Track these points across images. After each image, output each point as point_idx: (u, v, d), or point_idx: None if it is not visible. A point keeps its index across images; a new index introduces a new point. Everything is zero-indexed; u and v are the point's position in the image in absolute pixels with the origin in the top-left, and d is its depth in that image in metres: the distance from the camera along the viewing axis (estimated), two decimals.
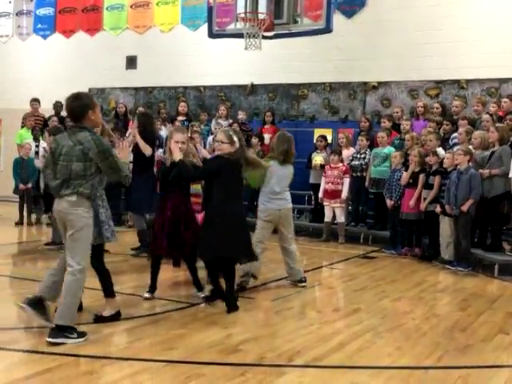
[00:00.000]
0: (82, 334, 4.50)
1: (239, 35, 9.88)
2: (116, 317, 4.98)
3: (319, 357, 4.30)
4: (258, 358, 4.25)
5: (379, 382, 3.93)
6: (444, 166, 8.32)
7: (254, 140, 11.10)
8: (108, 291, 4.98)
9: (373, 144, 10.16)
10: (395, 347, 4.62)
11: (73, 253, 4.49)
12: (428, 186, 8.51)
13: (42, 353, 4.22)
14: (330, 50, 12.03)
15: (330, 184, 10.06)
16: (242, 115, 11.96)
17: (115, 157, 4.60)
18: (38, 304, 4.64)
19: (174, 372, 3.94)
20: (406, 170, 8.90)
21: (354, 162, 10.15)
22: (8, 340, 4.46)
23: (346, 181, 9.98)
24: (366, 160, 10.04)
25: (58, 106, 13.21)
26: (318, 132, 11.65)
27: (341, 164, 10.08)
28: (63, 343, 4.34)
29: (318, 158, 10.74)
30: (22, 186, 10.34)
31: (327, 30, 9.24)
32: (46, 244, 8.21)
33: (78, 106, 4.68)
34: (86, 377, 3.82)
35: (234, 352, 4.34)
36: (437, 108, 10.33)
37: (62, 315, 4.44)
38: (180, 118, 11.95)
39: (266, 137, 11.49)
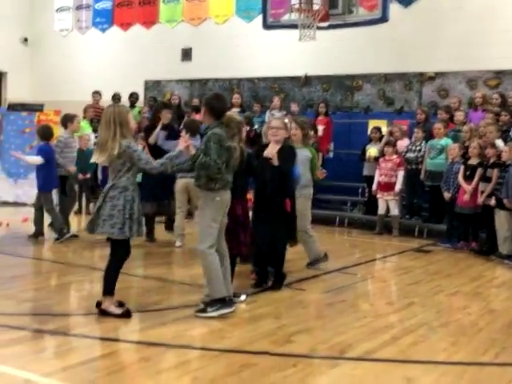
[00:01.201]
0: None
1: (294, 26, 9.88)
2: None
3: (371, 350, 4.28)
4: (309, 350, 4.27)
5: (433, 378, 3.88)
6: (502, 159, 8.10)
7: (309, 132, 11.04)
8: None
9: (429, 136, 9.98)
10: (450, 342, 4.56)
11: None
12: (485, 179, 8.31)
13: (99, 339, 4.36)
14: (386, 40, 11.84)
15: (384, 176, 9.94)
16: (295, 107, 11.93)
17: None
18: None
19: (226, 361, 4.00)
20: (464, 163, 8.71)
21: (409, 155, 10.00)
22: (66, 325, 4.61)
23: (400, 173, 9.84)
24: (421, 152, 9.87)
25: (116, 98, 13.54)
26: (372, 123, 11.51)
27: (395, 156, 9.94)
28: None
29: (372, 150, 10.63)
30: (80, 176, 10.58)
31: (383, 19, 9.14)
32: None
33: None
34: (142, 363, 3.92)
35: (286, 343, 4.36)
36: (496, 99, 10.04)
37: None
38: (234, 109, 12.01)
39: (320, 128, 11.44)
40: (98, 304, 4.80)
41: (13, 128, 12.38)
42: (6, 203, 11.62)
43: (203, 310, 4.91)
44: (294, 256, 6.87)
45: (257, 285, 5.91)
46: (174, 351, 4.16)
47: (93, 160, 4.89)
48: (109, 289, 4.79)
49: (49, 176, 8.06)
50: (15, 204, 11.62)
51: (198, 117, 11.57)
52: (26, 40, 16.78)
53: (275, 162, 5.62)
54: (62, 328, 4.50)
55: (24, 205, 10.74)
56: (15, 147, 12.13)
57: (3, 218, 9.58)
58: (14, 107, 12.86)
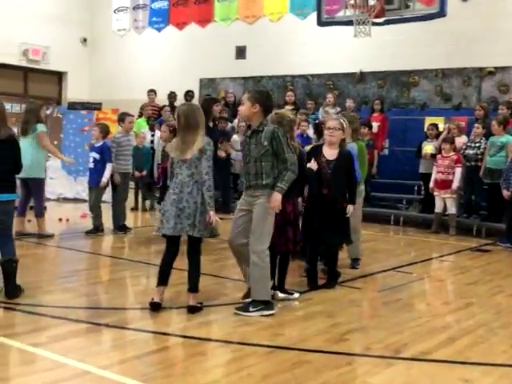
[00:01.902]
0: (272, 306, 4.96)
1: (348, 22, 9.77)
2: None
3: (427, 350, 4.21)
4: (364, 349, 4.23)
5: (491, 380, 3.78)
6: None
7: (364, 129, 10.93)
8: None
9: (489, 132, 9.71)
10: (510, 345, 4.43)
11: (259, 240, 4.89)
12: None
13: (155, 333, 4.43)
14: (443, 35, 11.59)
15: (441, 174, 9.74)
16: (350, 103, 11.82)
17: None
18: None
19: (280, 358, 4.00)
20: None
21: (468, 151, 9.76)
22: (123, 319, 4.71)
23: (458, 170, 9.62)
24: (481, 149, 9.62)
25: (171, 96, 13.74)
26: (428, 120, 11.28)
27: (453, 153, 9.72)
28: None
29: (428, 147, 10.42)
30: (137, 174, 10.79)
31: (441, 13, 8.94)
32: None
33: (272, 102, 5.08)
34: (196, 358, 3.96)
35: (340, 341, 4.34)
36: None
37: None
38: (287, 107, 12.00)
39: (375, 125, 11.30)
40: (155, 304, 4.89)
41: (72, 126, 12.73)
42: (66, 199, 11.97)
43: (245, 309, 4.90)
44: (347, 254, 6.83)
45: (310, 283, 5.89)
46: (227, 347, 4.20)
47: (175, 155, 4.96)
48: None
49: (101, 172, 8.32)
50: (75, 200, 11.96)
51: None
52: (85, 40, 17.22)
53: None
54: (118, 322, 4.60)
55: (83, 201, 11.02)
56: (75, 145, 12.49)
57: (63, 214, 9.87)
58: (74, 106, 13.22)
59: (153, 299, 4.89)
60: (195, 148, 4.80)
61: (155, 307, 4.85)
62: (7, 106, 8.92)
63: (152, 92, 13.68)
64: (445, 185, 9.69)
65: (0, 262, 5.10)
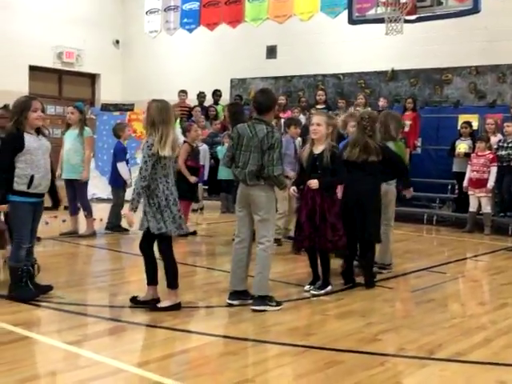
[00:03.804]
0: (279, 303, 5.04)
1: (380, 20, 9.71)
2: (175, 308, 4.91)
3: (462, 351, 4.14)
4: (397, 349, 4.19)
5: None
6: None
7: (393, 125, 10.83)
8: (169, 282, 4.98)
9: None
10: None
11: (265, 231, 4.99)
12: None
13: (187, 332, 4.46)
14: (477, 31, 11.41)
15: (475, 172, 9.60)
16: (382, 102, 11.72)
17: (279, 154, 4.94)
18: (240, 293, 5.11)
19: (313, 357, 3.99)
20: None
21: (500, 152, 9.59)
22: (155, 318, 4.74)
23: (493, 169, 9.47)
24: None
25: (201, 96, 13.82)
26: (462, 118, 11.12)
27: (488, 152, 9.57)
28: (265, 310, 4.91)
29: (462, 146, 10.29)
30: None
31: (475, 10, 8.82)
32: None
33: (268, 100, 5.10)
34: (228, 357, 3.97)
35: (372, 341, 4.31)
36: None
37: (260, 287, 4.99)
38: (318, 106, 11.96)
39: (407, 124, 11.17)
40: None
41: (105, 128, 12.88)
42: (99, 199, 12.12)
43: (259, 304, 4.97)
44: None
45: (347, 282, 5.85)
46: (260, 346, 4.20)
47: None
48: None
49: (119, 172, 8.54)
50: (108, 200, 12.08)
51: (282, 115, 11.63)
52: (117, 42, 17.43)
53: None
54: (152, 320, 4.64)
55: None
56: (108, 146, 12.65)
57: (97, 214, 10.00)
58: (107, 107, 13.39)
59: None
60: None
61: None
62: None
63: (183, 93, 13.79)
64: (479, 184, 9.55)
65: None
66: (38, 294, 5.07)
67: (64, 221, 8.63)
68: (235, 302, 5.06)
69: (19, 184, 4.92)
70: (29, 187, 4.94)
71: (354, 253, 5.92)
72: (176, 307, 4.89)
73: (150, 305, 4.90)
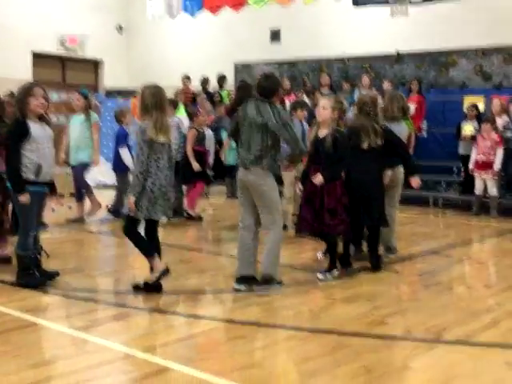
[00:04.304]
0: (280, 282, 5.10)
1: (385, 2, 9.62)
2: (165, 274, 4.93)
3: (470, 334, 4.15)
4: (404, 332, 4.19)
5: None
6: None
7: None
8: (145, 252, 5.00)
9: None
10: None
11: (272, 218, 4.99)
12: None
13: (195, 317, 4.48)
14: (482, 12, 11.29)
15: (482, 155, 9.55)
16: (387, 85, 11.64)
17: (293, 130, 4.95)
18: (247, 279, 5.10)
19: (320, 341, 4.00)
20: None
21: (506, 134, 9.53)
22: (163, 303, 4.77)
23: (499, 151, 9.41)
24: None
25: (204, 82, 13.75)
26: (468, 100, 11.05)
27: (494, 133, 9.51)
28: (268, 291, 4.96)
29: (467, 128, 10.22)
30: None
31: None
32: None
33: (272, 84, 5.08)
34: (237, 341, 3.99)
35: (379, 324, 4.31)
36: None
37: (271, 271, 5.04)
38: (323, 90, 11.90)
39: (412, 107, 11.09)
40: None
41: (110, 114, 12.85)
42: (105, 186, 12.12)
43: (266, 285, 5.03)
44: None
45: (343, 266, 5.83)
46: (267, 330, 4.21)
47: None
48: None
49: (117, 158, 8.53)
50: (114, 187, 12.09)
51: (287, 98, 11.57)
52: (120, 28, 17.33)
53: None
54: (158, 306, 4.67)
55: None
56: (112, 132, 12.63)
57: (103, 200, 10.01)
58: (111, 93, 13.36)
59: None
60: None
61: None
62: None
63: (187, 78, 13.70)
64: (485, 166, 9.50)
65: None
66: (45, 280, 5.10)
67: (70, 207, 8.64)
68: (242, 288, 5.06)
69: (26, 173, 4.90)
70: (37, 176, 4.93)
71: (353, 237, 5.90)
72: (166, 272, 4.91)
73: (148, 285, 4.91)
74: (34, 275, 5.06)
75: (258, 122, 4.93)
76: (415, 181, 6.00)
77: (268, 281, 5.03)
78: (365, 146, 5.69)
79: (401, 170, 6.33)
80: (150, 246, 4.97)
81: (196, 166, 8.36)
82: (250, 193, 5.02)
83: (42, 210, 5.23)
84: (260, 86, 5.13)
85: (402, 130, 6.36)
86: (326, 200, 5.38)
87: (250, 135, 4.98)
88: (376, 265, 5.86)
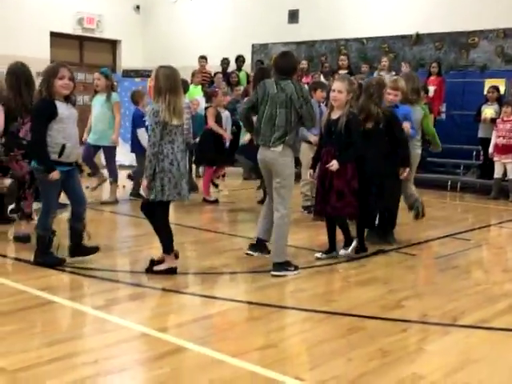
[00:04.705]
0: (296, 268, 5.10)
1: None
2: (170, 272, 4.93)
3: (486, 318, 4.12)
4: (420, 316, 4.18)
5: None
6: None
7: (421, 93, 10.66)
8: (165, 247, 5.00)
9: None
10: None
11: (281, 198, 4.99)
12: None
13: (210, 297, 4.49)
14: None
15: (502, 138, 9.44)
16: (406, 67, 11.51)
17: (312, 107, 5.02)
18: (260, 246, 5.37)
19: (335, 323, 4.00)
20: None
21: None
22: (179, 283, 4.79)
23: None
24: None
25: (224, 62, 13.68)
26: (488, 83, 10.89)
27: None
28: (285, 275, 4.96)
29: (488, 111, 10.10)
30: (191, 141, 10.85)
31: None
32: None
33: (290, 62, 5.10)
34: (252, 322, 4.01)
35: (395, 308, 4.30)
36: None
37: (278, 254, 5.05)
38: (341, 71, 11.79)
39: (431, 89, 11.00)
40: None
41: (127, 94, 12.83)
42: (122, 166, 12.16)
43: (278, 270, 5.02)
44: (405, 220, 6.74)
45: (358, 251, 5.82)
46: (282, 312, 4.22)
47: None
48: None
49: (134, 139, 8.61)
50: (131, 167, 12.14)
51: (305, 80, 11.49)
52: (138, 8, 17.27)
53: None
54: (175, 286, 4.69)
55: None
56: (129, 113, 12.63)
57: (119, 180, 10.04)
58: (128, 74, 13.35)
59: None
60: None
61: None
62: None
63: (203, 59, 13.60)
64: (506, 149, 9.40)
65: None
66: (62, 260, 5.14)
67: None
68: (254, 254, 5.32)
69: (50, 153, 4.90)
70: (60, 156, 4.94)
71: (365, 221, 5.86)
72: (171, 271, 4.92)
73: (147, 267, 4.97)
74: (51, 254, 5.11)
75: (282, 98, 4.93)
76: (404, 170, 5.90)
77: (282, 265, 5.03)
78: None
79: (418, 151, 6.30)
80: (171, 241, 4.97)
81: (227, 135, 8.72)
82: (271, 171, 5.08)
83: (78, 189, 5.21)
84: (277, 63, 5.12)
85: (415, 113, 6.26)
86: (335, 182, 5.36)
87: (272, 113, 4.97)
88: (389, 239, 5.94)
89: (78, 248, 5.24)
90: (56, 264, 5.07)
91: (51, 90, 4.90)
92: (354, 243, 5.60)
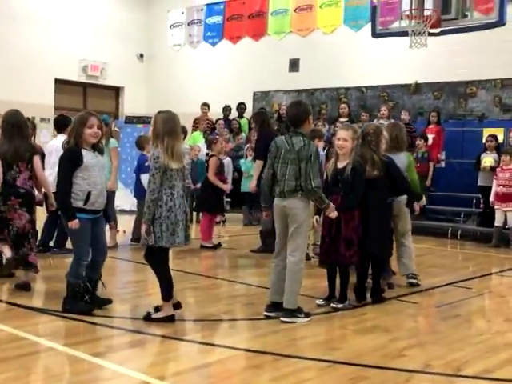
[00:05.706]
0: (307, 315, 5.06)
1: (404, 33, 9.67)
2: (168, 320, 4.86)
3: (490, 369, 4.07)
4: (423, 365, 4.12)
5: None
6: None
7: (419, 141, 10.81)
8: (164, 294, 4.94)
9: None
10: None
11: (296, 245, 4.96)
12: None
13: (211, 345, 4.44)
14: (502, 44, 11.26)
15: (502, 187, 9.49)
16: (405, 115, 11.66)
17: (315, 166, 4.95)
18: (277, 306, 5.11)
19: (337, 373, 3.94)
20: None
21: None
22: (179, 331, 4.74)
23: None
24: None
25: (226, 109, 13.86)
26: (487, 132, 11.01)
27: None
28: (295, 322, 4.93)
29: (487, 160, 10.18)
30: (192, 187, 10.91)
31: (500, 23, 8.74)
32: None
33: (301, 112, 5.09)
34: (253, 371, 3.95)
35: (397, 357, 4.25)
36: None
37: (290, 300, 4.98)
38: (341, 119, 11.94)
39: (430, 137, 11.13)
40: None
41: (129, 140, 13.00)
42: (122, 211, 12.18)
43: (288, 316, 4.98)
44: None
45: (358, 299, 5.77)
46: (284, 360, 4.16)
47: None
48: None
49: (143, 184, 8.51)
50: (131, 212, 12.15)
51: None
52: (141, 56, 17.60)
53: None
54: (174, 333, 4.64)
55: None
56: (131, 158, 12.75)
57: (120, 226, 10.04)
58: (131, 120, 13.52)
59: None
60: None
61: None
62: None
63: (205, 105, 13.82)
64: (506, 198, 9.43)
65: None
66: (92, 308, 5.08)
67: None
68: (272, 314, 5.08)
69: (76, 200, 4.93)
70: (85, 203, 4.95)
71: (366, 269, 5.84)
72: (169, 319, 4.85)
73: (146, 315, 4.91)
74: (81, 302, 5.04)
75: (293, 156, 4.97)
76: (416, 206, 6.17)
77: (292, 311, 4.99)
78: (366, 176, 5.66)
79: (402, 199, 6.26)
80: (170, 289, 4.93)
81: (226, 186, 8.73)
82: (286, 218, 5.02)
83: (102, 237, 5.24)
84: (288, 114, 5.19)
85: (400, 160, 6.25)
86: (344, 229, 5.36)
87: (284, 169, 5.00)
88: (376, 297, 5.77)
89: (93, 298, 5.17)
90: (85, 312, 4.99)
91: (80, 139, 4.96)
92: (346, 303, 5.51)
